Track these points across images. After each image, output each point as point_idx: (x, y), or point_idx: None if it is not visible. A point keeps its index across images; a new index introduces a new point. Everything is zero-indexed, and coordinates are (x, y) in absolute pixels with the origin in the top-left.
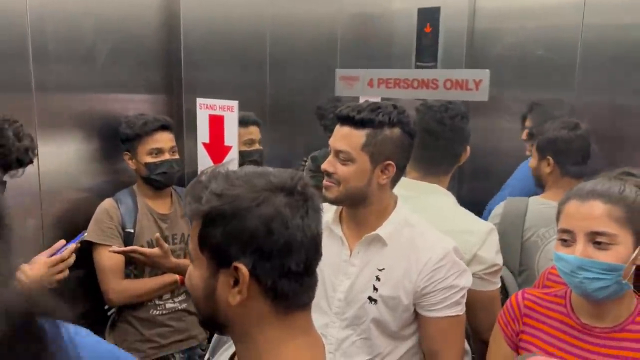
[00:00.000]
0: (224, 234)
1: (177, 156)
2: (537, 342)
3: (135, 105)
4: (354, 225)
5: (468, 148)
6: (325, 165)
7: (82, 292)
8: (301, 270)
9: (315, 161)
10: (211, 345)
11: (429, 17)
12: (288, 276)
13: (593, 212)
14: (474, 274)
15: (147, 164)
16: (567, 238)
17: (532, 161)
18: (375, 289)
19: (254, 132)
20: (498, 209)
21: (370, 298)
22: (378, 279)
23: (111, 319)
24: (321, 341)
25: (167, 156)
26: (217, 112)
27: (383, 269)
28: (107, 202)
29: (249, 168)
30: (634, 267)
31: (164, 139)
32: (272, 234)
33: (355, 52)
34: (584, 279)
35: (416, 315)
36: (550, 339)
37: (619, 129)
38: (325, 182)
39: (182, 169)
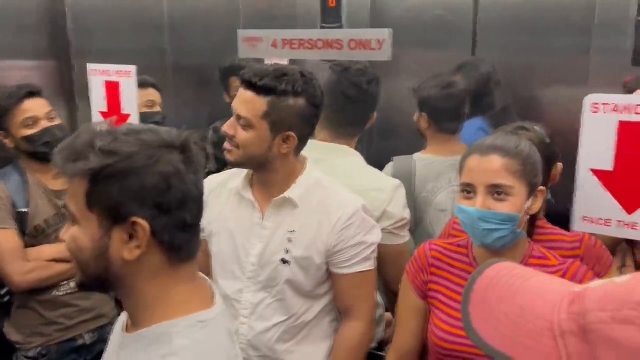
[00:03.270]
0: (121, 191)
1: (57, 122)
2: (443, 291)
3: (18, 73)
4: (264, 189)
5: (374, 114)
6: (225, 128)
7: None
8: (194, 222)
9: (217, 132)
10: None
11: None
12: (184, 229)
13: (492, 166)
14: (383, 229)
15: (25, 138)
16: (468, 191)
17: (415, 116)
18: (287, 250)
19: (153, 94)
20: (388, 169)
21: (283, 260)
22: (290, 240)
23: (13, 305)
24: (207, 287)
25: (45, 124)
26: (113, 78)
27: (294, 230)
28: None
29: (133, 125)
30: (528, 217)
31: (36, 106)
32: (171, 189)
33: (259, 13)
34: (483, 231)
35: (329, 274)
36: (455, 287)
37: (515, 88)
38: (225, 144)
39: (69, 135)
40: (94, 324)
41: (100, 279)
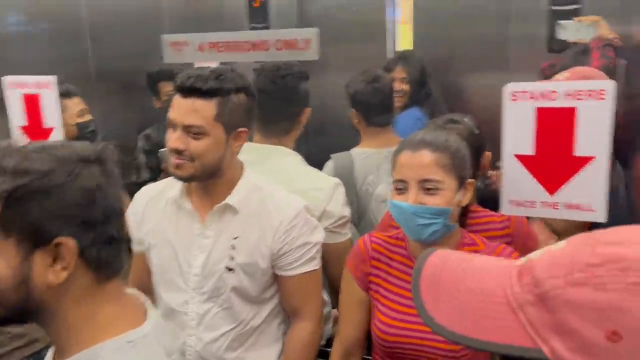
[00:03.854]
0: (40, 212)
1: None
2: (383, 284)
3: None
4: (204, 197)
5: (307, 109)
6: (174, 144)
7: None
8: (119, 236)
9: (149, 139)
10: None
11: None
12: (111, 244)
13: (423, 161)
14: (325, 228)
15: None
16: (401, 187)
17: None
18: (231, 257)
19: (80, 102)
20: (328, 167)
21: (227, 267)
22: (233, 247)
23: None
24: (140, 303)
25: None
26: (32, 91)
27: (237, 237)
28: None
29: (42, 142)
30: (459, 209)
31: None
32: (95, 204)
33: (184, 17)
34: (418, 226)
35: (274, 277)
36: (394, 280)
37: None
38: (175, 160)
39: None
40: (29, 350)
41: (21, 309)
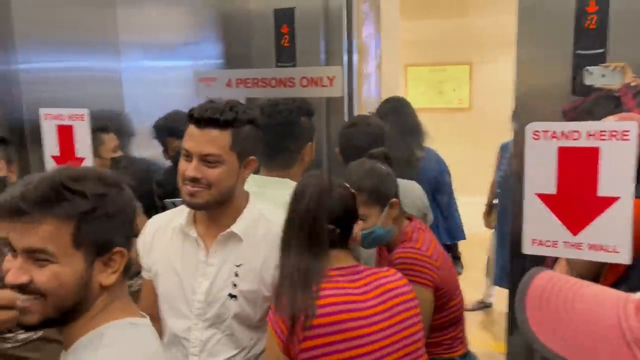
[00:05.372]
0: (111, 229)
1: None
2: None
3: None
4: (210, 225)
5: (310, 144)
6: (191, 172)
7: None
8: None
9: (162, 187)
10: None
11: (284, 17)
12: (131, 250)
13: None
14: None
15: None
16: None
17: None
18: (234, 285)
19: (115, 138)
20: None
21: (230, 294)
22: (237, 274)
23: None
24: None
25: None
26: (66, 122)
27: (241, 264)
28: None
29: (81, 168)
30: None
31: None
32: (134, 221)
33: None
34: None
35: None
36: None
37: None
38: (191, 188)
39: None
40: None
41: (72, 310)
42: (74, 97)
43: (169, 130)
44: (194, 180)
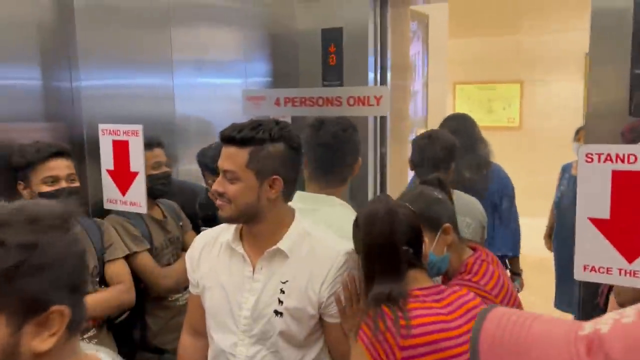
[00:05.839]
0: (46, 283)
1: (75, 184)
2: None
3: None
4: (254, 241)
5: (360, 159)
6: (215, 186)
7: None
8: (84, 293)
9: (203, 208)
10: None
11: (332, 37)
12: (83, 302)
13: None
14: None
15: (41, 194)
16: None
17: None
18: (280, 301)
19: (159, 154)
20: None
21: (276, 311)
22: (282, 291)
23: None
24: (94, 356)
25: (63, 184)
26: (121, 138)
27: (287, 281)
28: None
29: (20, 205)
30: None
31: (60, 166)
32: (84, 268)
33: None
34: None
35: (321, 322)
36: None
37: None
38: (217, 202)
39: (80, 198)
40: None
41: None
42: (130, 113)
43: (206, 166)
44: (220, 195)
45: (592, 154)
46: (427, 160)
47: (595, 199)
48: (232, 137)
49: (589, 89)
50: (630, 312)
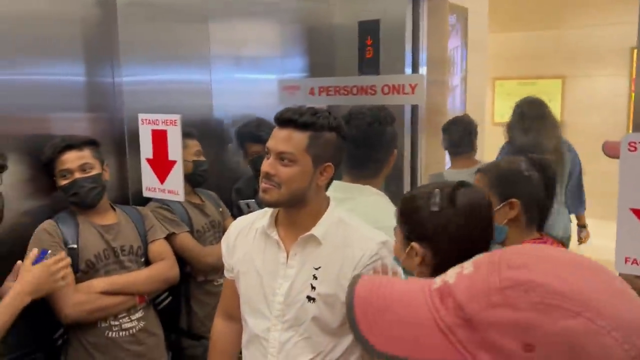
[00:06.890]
0: None
1: (90, 173)
2: None
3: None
4: (290, 228)
5: (394, 152)
6: (266, 168)
7: (25, 321)
8: None
9: (239, 193)
10: None
11: (369, 30)
12: None
13: None
14: None
15: (60, 187)
16: None
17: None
18: (313, 287)
19: (198, 144)
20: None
21: (309, 297)
22: (315, 277)
23: (63, 347)
24: None
25: (76, 176)
26: (160, 127)
27: (319, 267)
28: (45, 223)
29: None
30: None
31: (71, 159)
32: None
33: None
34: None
35: None
36: None
37: None
38: (264, 184)
39: (99, 185)
40: None
41: None
42: (169, 107)
43: (249, 134)
44: (268, 177)
45: (635, 143)
46: (449, 141)
47: (637, 189)
48: (294, 119)
49: (636, 81)
50: (468, 264)
